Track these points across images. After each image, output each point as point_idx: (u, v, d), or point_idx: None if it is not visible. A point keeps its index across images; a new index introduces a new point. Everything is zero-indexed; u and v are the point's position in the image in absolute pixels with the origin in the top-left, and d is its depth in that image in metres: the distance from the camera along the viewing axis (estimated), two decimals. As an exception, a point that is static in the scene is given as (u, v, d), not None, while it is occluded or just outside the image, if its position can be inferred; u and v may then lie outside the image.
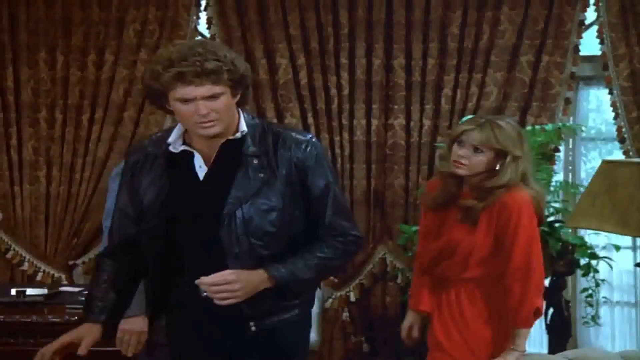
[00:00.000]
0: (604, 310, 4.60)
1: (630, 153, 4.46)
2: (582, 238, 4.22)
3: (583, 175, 4.73)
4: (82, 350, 2.36)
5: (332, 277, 4.63)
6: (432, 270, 2.99)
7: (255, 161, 2.36)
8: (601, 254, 4.30)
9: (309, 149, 2.41)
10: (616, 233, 3.51)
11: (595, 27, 4.56)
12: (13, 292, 3.69)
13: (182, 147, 2.38)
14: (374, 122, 4.59)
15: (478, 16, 4.54)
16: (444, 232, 2.95)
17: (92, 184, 4.69)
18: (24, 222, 4.77)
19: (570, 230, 4.17)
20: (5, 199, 4.77)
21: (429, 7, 4.56)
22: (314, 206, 2.42)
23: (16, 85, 4.74)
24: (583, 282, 4.34)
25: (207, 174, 2.38)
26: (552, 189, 4.23)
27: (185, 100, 2.26)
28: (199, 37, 4.67)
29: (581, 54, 4.57)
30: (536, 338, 4.63)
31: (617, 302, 4.75)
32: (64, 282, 4.69)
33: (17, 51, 4.73)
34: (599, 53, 4.54)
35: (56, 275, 4.76)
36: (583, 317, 4.36)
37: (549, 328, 4.21)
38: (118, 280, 2.46)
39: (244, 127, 2.38)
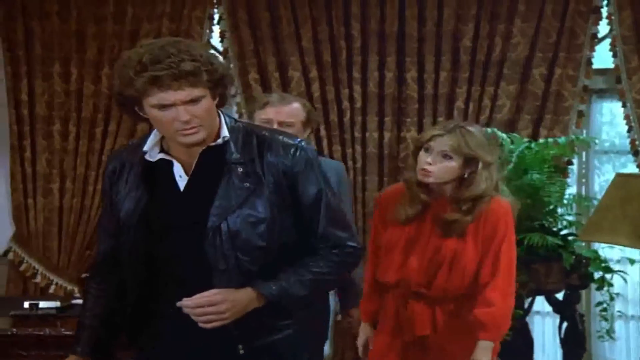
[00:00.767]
0: (618, 324, 4.57)
1: (644, 166, 4.44)
2: (595, 251, 4.19)
3: (596, 188, 4.71)
4: None
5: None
6: (426, 287, 2.75)
7: (240, 169, 2.15)
8: (615, 267, 4.27)
9: (298, 153, 2.19)
10: (630, 246, 3.50)
11: (608, 40, 4.55)
12: (26, 304, 3.70)
13: (160, 156, 2.18)
14: (387, 134, 4.59)
15: (490, 29, 4.54)
16: (420, 245, 2.75)
17: (105, 197, 4.71)
18: (37, 235, 4.80)
19: (583, 244, 4.15)
20: (18, 212, 4.80)
21: (442, 20, 4.56)
22: (306, 215, 2.20)
23: (30, 98, 4.77)
24: (597, 296, 4.31)
25: (187, 184, 2.18)
26: (565, 202, 4.22)
27: (163, 106, 2.05)
28: (212, 48, 4.68)
29: (594, 66, 4.56)
30: (550, 352, 4.60)
31: (632, 316, 4.72)
32: (77, 294, 4.70)
33: (31, 64, 4.76)
34: (612, 66, 4.53)
35: (69, 287, 4.78)
36: (598, 331, 4.32)
37: (564, 342, 4.18)
38: (104, 305, 2.28)
39: (225, 132, 2.17)
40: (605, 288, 4.09)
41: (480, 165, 2.70)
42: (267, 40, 4.62)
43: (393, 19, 4.58)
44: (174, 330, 2.20)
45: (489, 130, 4.22)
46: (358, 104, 4.61)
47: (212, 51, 2.18)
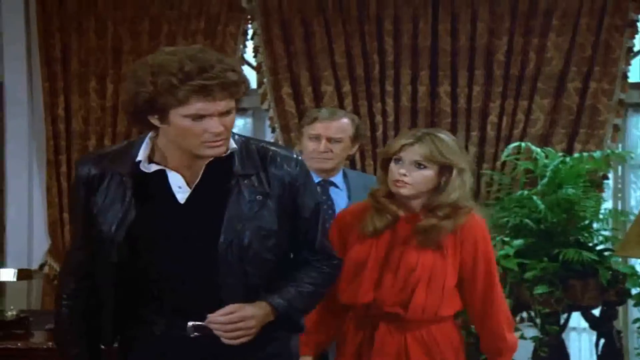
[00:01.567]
0: (656, 341, 4.50)
1: (682, 180, 4.38)
2: (632, 267, 4.13)
3: (633, 202, 4.65)
4: None
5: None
6: (402, 308, 2.52)
7: (248, 182, 2.11)
8: (653, 283, 4.21)
9: (299, 166, 2.18)
10: (668, 262, 3.44)
11: (644, 54, 4.51)
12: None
13: (155, 167, 2.10)
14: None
15: (524, 43, 4.53)
16: (394, 261, 2.55)
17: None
18: (72, 248, 4.84)
19: (620, 259, 4.09)
20: (54, 226, 4.85)
21: (475, 34, 4.55)
22: (302, 228, 2.19)
23: (67, 114, 4.84)
24: (635, 312, 4.25)
25: (190, 196, 2.10)
26: (601, 216, 4.17)
27: (199, 117, 1.99)
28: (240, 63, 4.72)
29: (630, 80, 4.51)
30: (587, 370, 4.54)
31: (670, 333, 4.64)
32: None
33: (68, 80, 4.84)
34: (648, 80, 4.49)
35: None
36: (636, 348, 4.27)
37: (601, 359, 4.12)
38: (81, 324, 2.17)
39: (232, 144, 2.11)
40: (643, 304, 4.03)
41: (454, 172, 2.55)
42: (300, 55, 4.65)
43: (426, 34, 4.58)
44: (169, 351, 2.13)
45: (523, 144, 4.20)
46: (390, 118, 4.61)
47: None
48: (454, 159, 2.55)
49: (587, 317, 4.17)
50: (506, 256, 3.86)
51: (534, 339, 3.93)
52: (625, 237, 3.59)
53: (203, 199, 2.10)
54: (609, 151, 4.33)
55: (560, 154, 4.22)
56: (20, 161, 4.89)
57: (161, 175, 2.10)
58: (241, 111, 4.94)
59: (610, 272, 3.95)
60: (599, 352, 4.12)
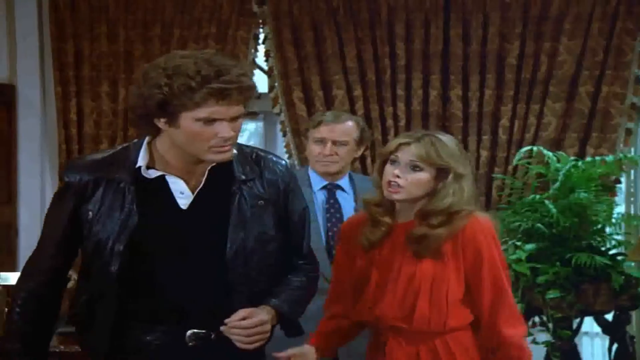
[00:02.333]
0: (670, 347, 4.47)
1: (695, 185, 4.36)
2: (645, 272, 4.11)
3: (646, 207, 4.64)
4: None
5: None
6: (405, 322, 2.40)
7: (249, 187, 2.11)
8: (666, 288, 4.18)
9: (289, 172, 2.22)
10: (681, 266, 3.42)
11: (656, 57, 4.49)
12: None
13: (158, 173, 2.08)
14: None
15: (536, 47, 4.52)
16: (392, 274, 2.41)
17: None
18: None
19: (633, 264, 4.07)
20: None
21: (486, 38, 4.55)
22: (292, 232, 2.21)
23: (79, 118, 4.85)
24: (648, 317, 4.23)
25: (192, 202, 2.08)
26: (613, 221, 4.15)
27: (211, 121, 1.98)
28: (249, 66, 4.72)
29: (642, 84, 4.50)
30: (599, 375, 4.52)
31: (684, 338, 4.61)
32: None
33: (80, 85, 4.85)
34: (660, 83, 4.47)
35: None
36: (648, 354, 4.24)
37: (613, 364, 4.10)
38: (39, 327, 2.14)
39: (233, 149, 2.11)
40: (657, 309, 4.01)
41: (450, 176, 2.39)
42: (311, 59, 4.65)
43: (437, 38, 4.58)
44: (171, 358, 2.11)
45: (535, 148, 4.19)
46: (402, 122, 4.61)
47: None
48: (451, 162, 2.39)
49: (600, 321, 4.15)
50: (518, 261, 3.84)
51: (546, 343, 3.90)
52: (638, 241, 3.57)
53: (206, 204, 2.09)
54: (621, 155, 4.31)
55: (572, 157, 4.20)
56: (32, 165, 4.91)
57: (162, 182, 2.08)
58: (252, 115, 4.95)
59: (623, 277, 3.92)
60: (612, 357, 4.10)
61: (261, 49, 4.78)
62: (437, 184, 2.40)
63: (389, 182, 2.39)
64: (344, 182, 3.25)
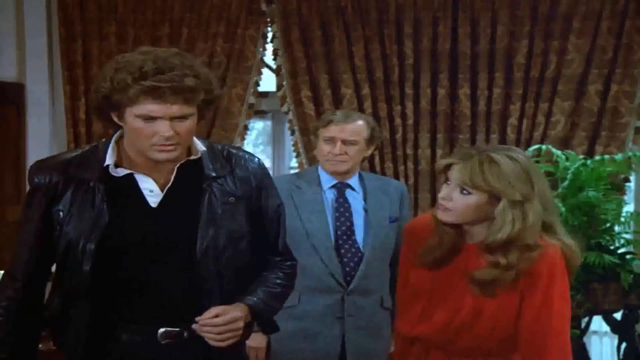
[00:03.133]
0: (679, 346, 4.45)
1: None
2: (655, 270, 4.10)
3: (655, 206, 4.62)
4: None
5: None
6: (445, 346, 2.27)
7: (219, 184, 2.10)
8: (676, 287, 4.17)
9: (262, 168, 2.21)
10: (691, 265, 3.41)
11: (666, 56, 4.48)
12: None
13: (126, 172, 2.07)
14: (439, 151, 4.57)
15: (545, 46, 4.50)
16: (448, 294, 2.25)
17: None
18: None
19: (642, 262, 4.06)
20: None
21: (495, 37, 4.54)
22: (267, 229, 2.20)
23: (88, 117, 4.86)
24: (657, 316, 4.21)
25: (162, 200, 2.08)
26: (622, 219, 4.14)
27: (150, 118, 1.97)
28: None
29: (652, 82, 4.49)
30: (608, 373, 4.51)
31: (693, 338, 4.59)
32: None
33: (89, 84, 4.85)
34: (670, 82, 4.45)
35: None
36: (657, 353, 4.23)
37: (622, 363, 4.10)
38: (20, 333, 2.11)
39: (201, 146, 2.11)
40: (666, 308, 4.00)
41: (502, 203, 2.15)
42: (319, 58, 4.65)
43: (446, 37, 4.57)
44: (144, 357, 2.10)
45: (544, 147, 4.18)
46: (410, 121, 4.60)
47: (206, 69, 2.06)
48: (501, 187, 2.14)
49: (609, 320, 4.14)
50: (527, 259, 3.84)
51: (554, 342, 3.90)
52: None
53: (176, 202, 2.08)
54: (630, 153, 4.29)
55: (581, 156, 4.20)
56: (41, 164, 4.93)
57: (131, 180, 2.08)
58: (261, 114, 4.96)
59: (632, 276, 3.92)
60: (621, 356, 4.09)
61: (269, 47, 4.78)
62: (492, 209, 2.18)
63: (439, 202, 2.23)
64: (353, 181, 3.25)
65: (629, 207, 4.48)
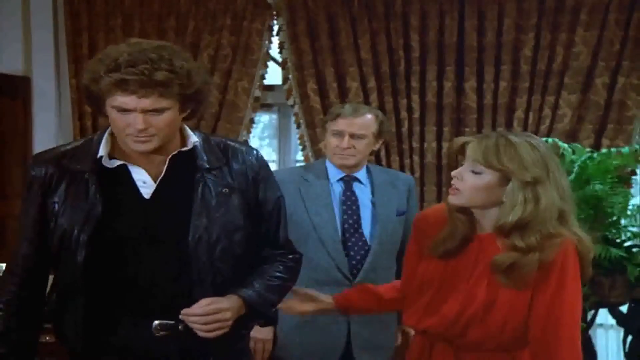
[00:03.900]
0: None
1: None
2: (661, 264, 4.10)
3: (662, 199, 4.61)
4: None
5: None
6: (455, 340, 2.23)
7: (214, 176, 2.09)
8: (682, 280, 4.16)
9: (260, 160, 2.19)
10: (698, 258, 3.41)
11: (673, 48, 4.46)
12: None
13: (119, 162, 2.08)
14: (445, 145, 4.57)
15: (551, 38, 4.49)
16: (459, 286, 2.22)
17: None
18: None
19: (648, 256, 4.06)
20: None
21: (502, 30, 4.53)
22: (266, 222, 2.18)
23: (94, 111, 4.84)
24: (663, 310, 4.20)
25: (156, 191, 2.08)
26: (629, 212, 4.13)
27: (123, 110, 1.97)
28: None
29: (659, 75, 4.47)
30: (614, 367, 4.51)
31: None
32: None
33: (95, 77, 4.87)
34: (677, 74, 4.44)
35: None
36: (663, 346, 4.22)
37: (628, 356, 4.09)
38: (20, 328, 2.12)
39: (195, 138, 2.10)
40: (672, 301, 3.99)
41: (512, 183, 2.11)
42: (325, 51, 4.65)
43: (452, 30, 4.56)
44: (134, 352, 2.10)
45: (550, 140, 4.17)
46: (416, 114, 4.60)
47: (193, 62, 2.05)
48: (512, 168, 2.11)
49: (615, 313, 4.14)
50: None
51: (560, 335, 3.90)
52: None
53: (169, 193, 2.08)
54: (637, 146, 4.28)
55: (588, 149, 4.19)
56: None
57: (124, 171, 2.08)
58: (266, 107, 4.96)
59: (638, 269, 3.91)
60: (627, 349, 4.09)
61: (275, 40, 4.78)
62: (502, 192, 2.15)
63: (450, 184, 2.19)
64: (361, 174, 3.25)
65: (636, 200, 4.47)
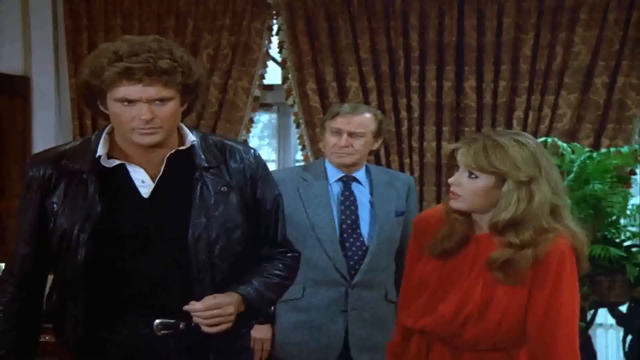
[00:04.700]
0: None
1: None
2: (660, 264, 4.10)
3: (661, 198, 4.61)
4: None
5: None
6: (452, 339, 2.24)
7: (212, 174, 2.10)
8: (681, 279, 4.16)
9: (258, 159, 2.19)
10: (697, 258, 3.40)
11: (673, 48, 4.46)
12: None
13: (118, 162, 2.08)
14: (444, 144, 4.57)
15: (551, 38, 4.49)
16: (456, 286, 2.24)
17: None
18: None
19: (648, 255, 4.05)
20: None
21: (501, 29, 4.52)
22: (264, 221, 2.19)
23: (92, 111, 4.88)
24: (662, 309, 4.20)
25: (154, 190, 2.08)
26: (628, 212, 4.13)
27: (128, 101, 1.96)
28: (265, 59, 4.73)
29: (659, 75, 4.47)
30: (613, 366, 4.51)
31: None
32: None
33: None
34: (677, 74, 4.44)
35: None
36: (663, 345, 4.22)
37: (628, 356, 4.09)
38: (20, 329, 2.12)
39: (192, 137, 2.11)
40: (672, 301, 3.99)
41: (507, 184, 2.15)
42: (325, 51, 4.65)
43: (452, 30, 4.56)
44: (136, 351, 2.11)
45: (550, 139, 4.17)
46: (416, 114, 4.60)
47: (190, 57, 2.07)
48: (505, 169, 2.15)
49: (614, 313, 4.14)
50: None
51: (560, 335, 3.90)
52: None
53: (167, 192, 2.08)
54: (636, 146, 4.29)
55: (587, 149, 4.19)
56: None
57: (123, 170, 2.08)
58: (266, 106, 4.96)
59: (638, 269, 3.91)
60: (626, 349, 4.09)
61: (275, 40, 4.78)
62: (500, 193, 2.18)
63: (448, 189, 2.23)
64: (360, 174, 3.25)
65: (635, 200, 4.47)
